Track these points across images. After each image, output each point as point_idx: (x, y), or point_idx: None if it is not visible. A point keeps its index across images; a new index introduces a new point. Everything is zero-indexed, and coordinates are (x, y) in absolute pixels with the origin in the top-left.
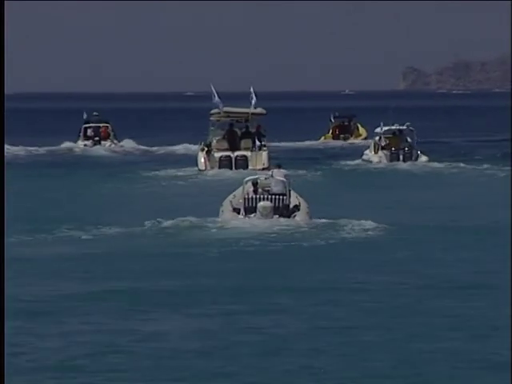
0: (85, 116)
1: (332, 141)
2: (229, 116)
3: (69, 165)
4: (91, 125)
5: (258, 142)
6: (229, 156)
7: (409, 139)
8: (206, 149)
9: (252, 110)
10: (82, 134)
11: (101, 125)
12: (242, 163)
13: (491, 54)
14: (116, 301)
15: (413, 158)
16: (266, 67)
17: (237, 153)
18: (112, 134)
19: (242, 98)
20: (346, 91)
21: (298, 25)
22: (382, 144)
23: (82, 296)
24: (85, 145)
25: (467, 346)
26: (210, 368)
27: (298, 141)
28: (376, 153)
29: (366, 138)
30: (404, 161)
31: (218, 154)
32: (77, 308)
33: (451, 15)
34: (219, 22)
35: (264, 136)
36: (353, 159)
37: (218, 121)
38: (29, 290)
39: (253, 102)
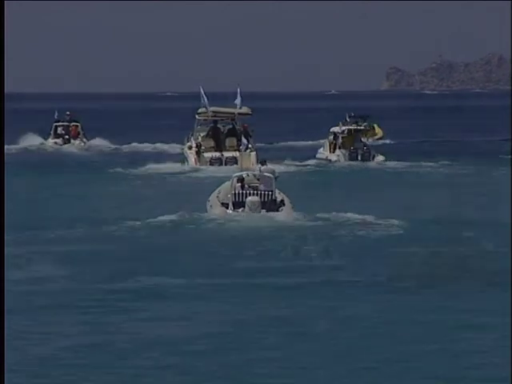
0: (56, 115)
1: None
2: (215, 115)
3: (43, 163)
4: (61, 123)
5: (244, 141)
6: (219, 158)
7: (363, 139)
8: (196, 149)
9: (238, 109)
10: (52, 132)
11: (71, 124)
12: (232, 164)
13: (475, 55)
14: (107, 299)
15: (370, 158)
16: (253, 67)
17: (226, 154)
18: (82, 133)
19: (231, 98)
20: (332, 91)
21: (284, 25)
22: (340, 143)
23: (77, 294)
24: (55, 143)
25: (469, 345)
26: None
27: (301, 141)
28: (332, 151)
29: (381, 138)
30: (362, 160)
31: (207, 155)
32: (72, 307)
33: (435, 15)
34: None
35: (251, 136)
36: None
37: (205, 120)
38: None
39: (237, 101)
